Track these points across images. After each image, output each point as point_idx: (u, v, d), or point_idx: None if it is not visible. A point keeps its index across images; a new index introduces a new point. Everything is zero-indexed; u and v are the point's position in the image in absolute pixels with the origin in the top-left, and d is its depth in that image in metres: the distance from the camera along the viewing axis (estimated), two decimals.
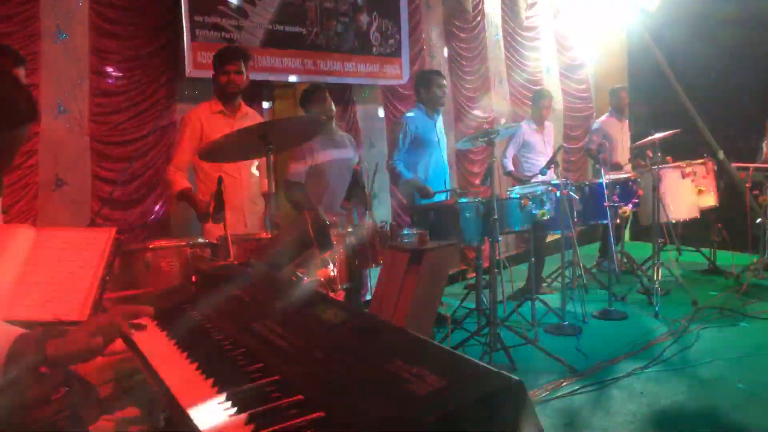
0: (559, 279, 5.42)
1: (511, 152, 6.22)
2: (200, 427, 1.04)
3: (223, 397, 1.11)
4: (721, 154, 6.05)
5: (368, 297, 4.77)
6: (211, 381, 1.19)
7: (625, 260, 6.28)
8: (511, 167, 6.23)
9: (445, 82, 5.16)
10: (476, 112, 7.17)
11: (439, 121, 5.22)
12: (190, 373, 1.25)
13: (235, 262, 2.33)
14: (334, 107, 4.47)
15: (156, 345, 1.47)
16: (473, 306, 4.84)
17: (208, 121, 3.79)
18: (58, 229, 1.98)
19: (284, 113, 5.40)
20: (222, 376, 1.20)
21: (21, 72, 2.44)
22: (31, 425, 1.68)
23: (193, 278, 1.88)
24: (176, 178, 3.75)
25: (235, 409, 1.05)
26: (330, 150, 4.37)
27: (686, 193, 5.90)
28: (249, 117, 3.97)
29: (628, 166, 6.65)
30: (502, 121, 7.36)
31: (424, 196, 4.83)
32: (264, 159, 3.71)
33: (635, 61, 8.75)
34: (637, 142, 6.06)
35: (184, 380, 1.24)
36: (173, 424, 1.34)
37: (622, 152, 6.87)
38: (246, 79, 3.90)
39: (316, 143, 4.25)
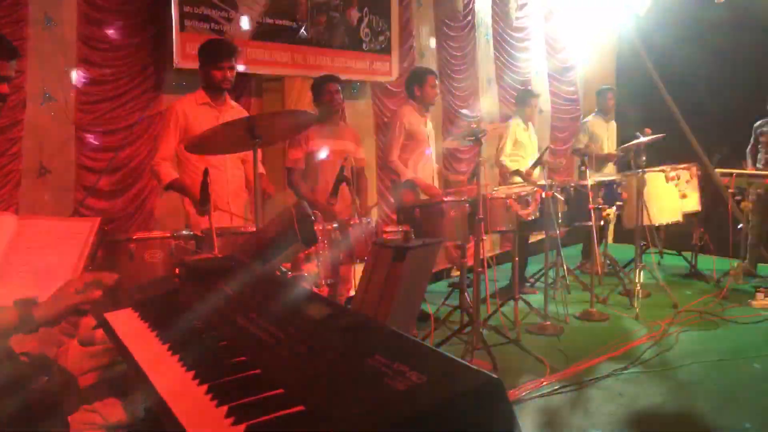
0: (543, 279, 5.46)
1: (508, 149, 6.18)
2: (180, 419, 1.04)
3: (204, 389, 1.11)
4: (705, 159, 6.11)
5: (353, 293, 4.78)
6: (192, 373, 1.19)
7: (607, 262, 6.33)
8: (514, 165, 6.18)
9: (437, 81, 5.20)
10: (465, 111, 7.18)
11: (428, 119, 5.25)
12: (172, 365, 1.25)
13: (219, 255, 2.33)
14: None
15: (138, 337, 1.47)
16: (456, 304, 4.86)
17: (194, 112, 3.78)
18: (41, 218, 1.97)
19: (272, 107, 5.38)
20: (203, 368, 1.20)
21: (11, 64, 2.39)
22: (8, 412, 1.67)
23: (177, 270, 1.87)
24: (163, 168, 3.74)
25: (215, 402, 1.05)
26: (327, 139, 4.43)
27: (669, 197, 5.95)
28: (235, 110, 3.98)
29: (614, 169, 6.69)
30: (489, 120, 7.38)
31: (431, 195, 4.85)
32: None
33: (624, 64, 8.82)
34: (623, 145, 6.11)
35: (164, 372, 1.24)
36: (153, 415, 1.34)
37: (608, 151, 6.92)
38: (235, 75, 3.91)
39: (314, 131, 4.29)
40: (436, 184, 5.26)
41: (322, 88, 4.53)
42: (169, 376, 1.21)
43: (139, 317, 1.61)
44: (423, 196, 4.99)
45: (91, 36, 4.38)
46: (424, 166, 5.12)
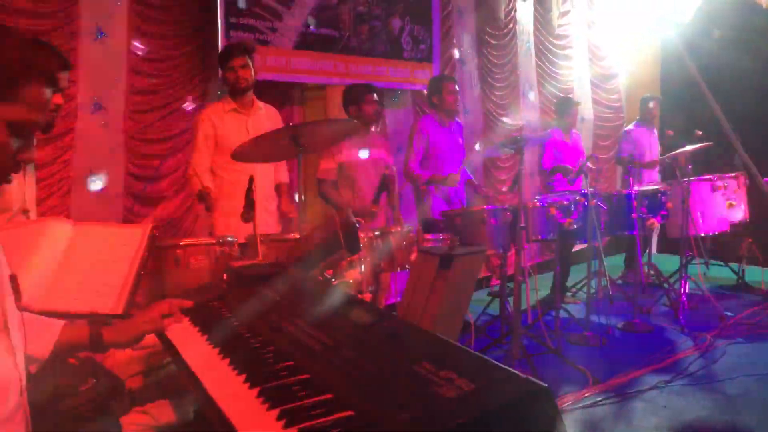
0: (584, 289, 5.39)
1: (551, 157, 6.12)
2: (232, 421, 1.07)
3: (255, 392, 1.13)
4: (753, 169, 5.97)
5: (391, 301, 4.79)
6: (243, 377, 1.22)
7: (651, 272, 6.22)
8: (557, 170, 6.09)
9: (457, 87, 5.08)
10: (505, 120, 7.15)
11: (456, 129, 5.14)
12: (222, 369, 1.28)
13: (264, 262, 2.37)
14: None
15: (189, 341, 1.51)
16: (496, 313, 4.83)
17: (221, 120, 3.83)
18: (96, 224, 2.03)
19: (314, 115, 5.44)
20: (254, 372, 1.22)
21: (64, 76, 2.47)
22: (60, 414, 1.73)
23: (225, 276, 1.91)
24: (195, 180, 3.80)
25: (267, 405, 1.07)
26: (360, 149, 4.40)
27: (716, 207, 5.83)
28: (264, 113, 4.00)
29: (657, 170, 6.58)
30: (532, 129, 7.33)
31: (451, 184, 4.80)
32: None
33: (668, 72, 8.66)
34: (668, 154, 6.01)
35: (216, 375, 1.27)
36: (202, 417, 1.37)
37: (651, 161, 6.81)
38: (254, 74, 3.91)
39: (346, 141, 4.29)
40: (467, 192, 5.18)
41: (362, 98, 4.44)
42: (220, 379, 1.24)
43: (190, 321, 1.65)
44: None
45: (141, 47, 4.49)
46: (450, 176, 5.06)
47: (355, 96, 4.47)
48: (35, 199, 2.81)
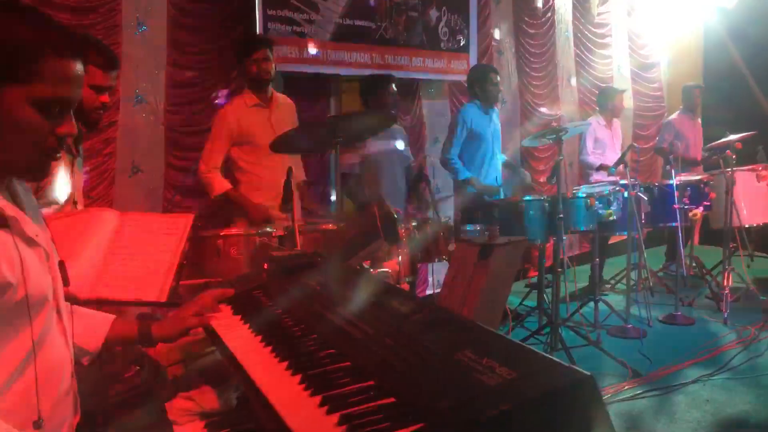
0: (624, 281, 5.32)
1: (590, 147, 6.03)
2: (275, 407, 1.08)
3: (297, 379, 1.15)
4: None
5: (429, 292, 4.79)
6: (285, 364, 1.23)
7: (693, 264, 6.11)
8: (597, 160, 6.03)
9: (499, 78, 5.07)
10: (543, 110, 7.08)
11: (495, 117, 5.14)
12: (265, 356, 1.30)
13: (304, 251, 2.39)
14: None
15: (232, 329, 1.53)
16: (534, 305, 4.80)
17: (245, 116, 3.79)
18: (140, 214, 2.07)
19: (350, 107, 5.46)
20: (296, 360, 1.24)
21: (112, 75, 2.51)
22: (106, 400, 1.78)
23: (265, 265, 1.94)
24: (216, 178, 3.77)
25: (309, 392, 1.09)
26: (381, 141, 4.36)
27: (760, 197, 5.69)
28: (283, 105, 3.97)
29: (700, 168, 6.45)
30: (570, 119, 7.25)
31: (489, 194, 4.80)
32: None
33: (711, 61, 8.46)
34: (711, 144, 5.88)
35: (259, 362, 1.29)
36: (246, 403, 1.40)
37: (694, 152, 6.67)
38: (274, 67, 3.88)
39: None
40: (500, 182, 5.14)
41: (380, 88, 4.36)
42: (263, 366, 1.26)
43: (232, 311, 1.68)
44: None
45: (180, 40, 4.56)
46: (489, 166, 5.05)
47: (373, 86, 4.41)
48: (82, 191, 2.89)
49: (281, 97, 4.03)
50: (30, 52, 1.18)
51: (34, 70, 1.19)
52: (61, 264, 1.39)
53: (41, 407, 1.25)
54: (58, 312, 1.35)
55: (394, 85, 4.41)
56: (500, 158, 5.18)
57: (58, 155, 1.28)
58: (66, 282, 1.39)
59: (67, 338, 1.37)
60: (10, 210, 1.23)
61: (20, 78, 1.18)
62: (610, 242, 6.40)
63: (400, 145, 4.53)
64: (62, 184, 2.47)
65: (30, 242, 1.27)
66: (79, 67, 1.25)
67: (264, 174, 3.77)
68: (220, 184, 3.77)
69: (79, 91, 1.27)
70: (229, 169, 3.88)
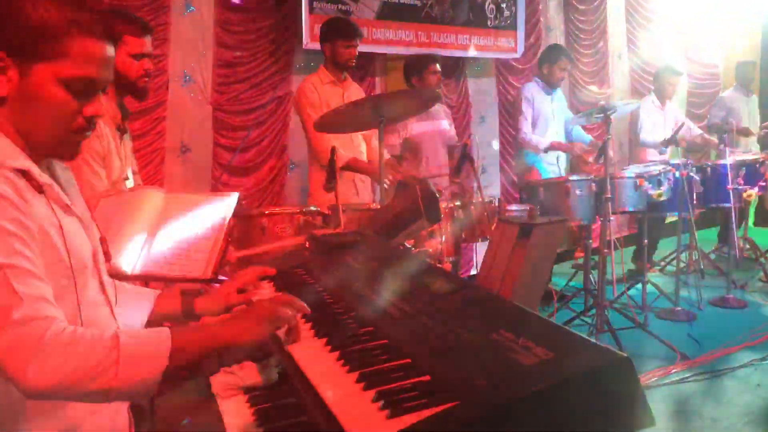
0: (673, 263, 5.21)
1: (648, 127, 5.86)
2: (313, 381, 1.10)
3: (335, 355, 1.17)
4: None
5: (473, 272, 4.78)
6: (324, 340, 1.25)
7: (747, 246, 5.94)
8: (657, 138, 5.84)
9: (570, 65, 5.10)
10: (592, 88, 6.93)
11: (558, 96, 5.14)
12: (305, 332, 1.32)
13: (346, 231, 2.41)
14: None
15: None
16: (580, 286, 4.74)
17: (321, 90, 3.88)
18: (186, 193, 2.12)
19: (395, 86, 5.44)
20: (334, 336, 1.26)
21: (147, 40, 2.59)
22: None
23: (307, 243, 1.96)
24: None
25: (347, 368, 1.10)
26: (424, 122, 4.37)
27: None
28: (355, 87, 4.08)
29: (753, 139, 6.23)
30: (619, 97, 7.07)
31: (576, 153, 4.89)
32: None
33: None
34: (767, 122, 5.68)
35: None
36: (287, 378, 1.43)
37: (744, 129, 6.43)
38: None
39: None
40: (560, 162, 5.11)
41: (425, 68, 4.38)
42: (302, 342, 1.29)
43: (274, 288, 1.70)
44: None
45: (227, 20, 4.60)
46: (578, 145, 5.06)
47: (418, 66, 4.43)
48: (137, 166, 2.97)
49: (354, 83, 4.13)
50: (57, 31, 1.21)
51: (62, 49, 1.21)
52: (103, 239, 1.43)
53: None
54: (101, 284, 1.39)
55: (438, 65, 4.40)
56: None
57: (87, 134, 1.31)
58: (108, 257, 1.43)
59: (112, 310, 1.41)
60: (47, 178, 1.27)
61: (48, 56, 1.21)
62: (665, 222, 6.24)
63: (445, 125, 4.52)
64: (113, 160, 2.55)
65: (66, 210, 1.31)
66: (107, 48, 1.28)
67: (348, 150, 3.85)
68: (340, 157, 3.77)
69: (108, 72, 1.30)
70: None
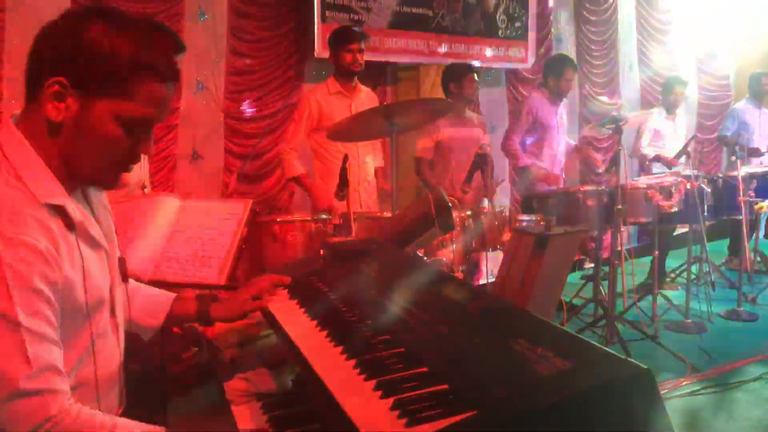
0: (684, 275, 5.18)
1: (647, 141, 5.87)
2: (331, 390, 1.10)
3: (352, 363, 1.17)
4: None
5: (483, 281, 4.76)
6: (340, 349, 1.26)
7: (758, 259, 5.90)
8: (653, 152, 5.86)
9: (576, 76, 5.04)
10: (604, 98, 6.92)
11: (562, 108, 5.10)
12: (321, 340, 1.32)
13: (359, 239, 2.41)
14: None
15: (289, 314, 1.56)
16: (590, 297, 4.72)
17: (327, 101, 3.88)
18: (200, 200, 2.13)
19: (407, 95, 5.45)
20: (350, 344, 1.26)
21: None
22: (166, 379, 1.84)
23: (321, 251, 1.97)
24: (289, 161, 3.87)
25: (364, 376, 1.10)
26: (456, 128, 4.40)
27: None
28: (366, 97, 4.05)
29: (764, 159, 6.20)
30: (630, 108, 7.06)
31: (550, 183, 4.76)
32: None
33: None
34: None
35: (314, 346, 1.32)
36: (303, 385, 1.43)
37: (759, 141, 6.40)
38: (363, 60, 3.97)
39: (443, 120, 4.28)
40: (563, 175, 5.09)
41: (462, 79, 4.41)
42: (319, 350, 1.29)
43: (288, 295, 1.71)
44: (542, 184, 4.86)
45: (240, 28, 4.63)
46: (550, 156, 4.99)
47: (456, 74, 4.45)
48: (149, 174, 3.00)
49: (365, 89, 4.12)
50: (129, 73, 1.18)
51: (128, 89, 1.19)
52: (122, 261, 1.44)
53: (101, 405, 1.30)
54: (112, 310, 1.38)
55: (476, 75, 4.43)
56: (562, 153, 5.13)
57: (130, 168, 1.30)
58: (124, 278, 1.44)
59: (118, 334, 1.41)
60: (79, 214, 1.25)
61: (112, 94, 1.19)
62: (673, 234, 6.22)
63: (478, 133, 4.53)
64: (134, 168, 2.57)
65: (93, 244, 1.30)
66: (170, 88, 1.25)
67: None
68: (293, 168, 3.87)
69: (166, 110, 1.28)
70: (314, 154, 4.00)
